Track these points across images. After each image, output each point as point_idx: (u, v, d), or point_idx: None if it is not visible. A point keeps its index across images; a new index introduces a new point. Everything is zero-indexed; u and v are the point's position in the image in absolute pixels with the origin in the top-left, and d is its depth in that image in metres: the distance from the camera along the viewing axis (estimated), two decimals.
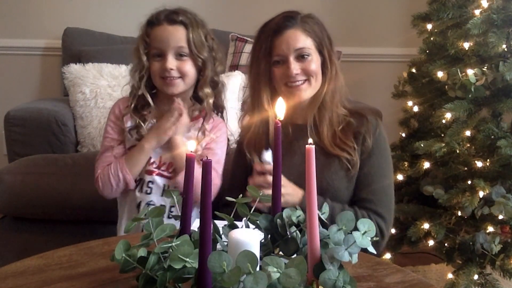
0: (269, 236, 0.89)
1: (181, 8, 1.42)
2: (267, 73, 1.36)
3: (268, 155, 1.29)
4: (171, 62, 1.34)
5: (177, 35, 1.36)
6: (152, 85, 1.40)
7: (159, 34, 1.36)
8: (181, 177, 1.32)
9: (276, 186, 0.90)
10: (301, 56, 1.34)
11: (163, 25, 1.37)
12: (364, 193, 1.39)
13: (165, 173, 1.39)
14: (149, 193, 1.38)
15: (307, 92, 1.36)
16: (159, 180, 1.39)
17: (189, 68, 1.37)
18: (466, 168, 1.83)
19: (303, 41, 1.35)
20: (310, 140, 0.77)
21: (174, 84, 1.37)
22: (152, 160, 1.39)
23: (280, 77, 1.35)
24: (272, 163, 1.28)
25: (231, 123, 1.65)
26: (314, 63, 1.36)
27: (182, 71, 1.36)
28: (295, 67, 1.33)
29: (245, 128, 1.44)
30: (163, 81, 1.37)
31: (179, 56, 1.36)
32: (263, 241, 0.89)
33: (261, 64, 1.36)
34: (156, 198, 1.38)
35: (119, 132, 1.42)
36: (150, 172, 1.39)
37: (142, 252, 0.83)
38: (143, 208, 1.37)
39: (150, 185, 1.39)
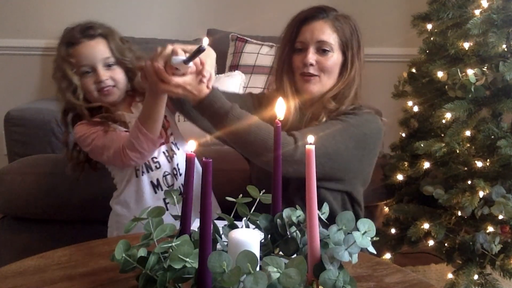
0: (269, 236, 0.89)
1: (91, 21, 1.46)
2: (290, 59, 1.40)
3: (178, 59, 1.16)
4: (104, 74, 1.39)
5: (100, 48, 1.40)
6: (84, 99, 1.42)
7: (83, 52, 1.39)
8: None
9: (276, 186, 0.90)
10: (321, 50, 1.36)
11: (83, 42, 1.40)
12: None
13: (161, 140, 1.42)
14: (159, 167, 1.41)
15: (316, 86, 1.38)
16: (158, 151, 1.41)
17: (120, 75, 1.42)
18: (466, 168, 1.82)
19: (328, 35, 1.36)
20: (311, 140, 0.77)
21: (111, 93, 1.41)
22: None
23: (297, 65, 1.38)
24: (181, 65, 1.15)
25: None
26: (332, 60, 1.37)
27: (114, 79, 1.41)
28: (312, 57, 1.35)
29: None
30: (101, 93, 1.40)
31: (107, 66, 1.41)
32: (263, 241, 0.89)
33: (285, 49, 1.41)
34: (167, 168, 1.42)
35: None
36: None
37: (142, 252, 0.83)
38: (163, 182, 1.41)
39: (156, 160, 1.41)
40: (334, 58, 1.38)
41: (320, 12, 1.38)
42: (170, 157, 1.42)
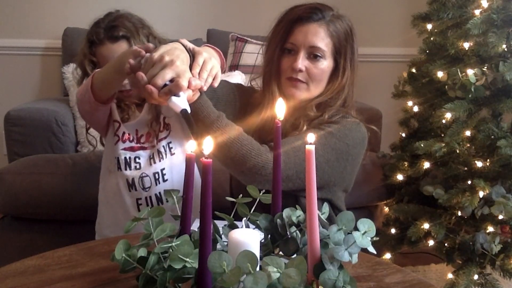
0: (269, 236, 0.89)
1: (119, 17, 1.44)
2: (279, 60, 1.32)
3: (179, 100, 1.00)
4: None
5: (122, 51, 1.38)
6: None
7: (104, 55, 1.40)
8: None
9: (276, 186, 0.90)
10: (313, 55, 1.28)
11: (105, 44, 1.41)
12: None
13: (146, 145, 1.42)
14: (139, 168, 1.41)
15: (302, 93, 1.30)
16: (144, 153, 1.41)
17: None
18: (466, 168, 1.83)
19: (322, 40, 1.27)
20: (311, 140, 0.77)
21: (130, 95, 1.42)
22: (130, 137, 1.41)
23: (285, 68, 1.30)
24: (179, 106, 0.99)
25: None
26: (323, 68, 1.29)
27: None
28: (302, 62, 1.27)
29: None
30: (120, 94, 1.41)
31: None
32: (263, 241, 0.89)
33: (275, 49, 1.31)
34: (147, 171, 1.41)
35: None
36: (132, 149, 1.41)
37: (142, 252, 0.83)
38: (138, 183, 1.40)
39: (138, 160, 1.41)
40: (325, 65, 1.29)
41: (316, 13, 1.28)
42: (153, 161, 1.41)
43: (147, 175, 1.40)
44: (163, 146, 1.42)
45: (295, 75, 1.28)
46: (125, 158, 1.40)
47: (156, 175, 1.40)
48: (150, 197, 1.40)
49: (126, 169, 1.40)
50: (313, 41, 1.27)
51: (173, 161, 1.42)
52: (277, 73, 1.32)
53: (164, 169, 1.40)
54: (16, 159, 1.97)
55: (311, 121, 1.30)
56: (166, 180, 1.41)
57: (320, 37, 1.28)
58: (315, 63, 1.28)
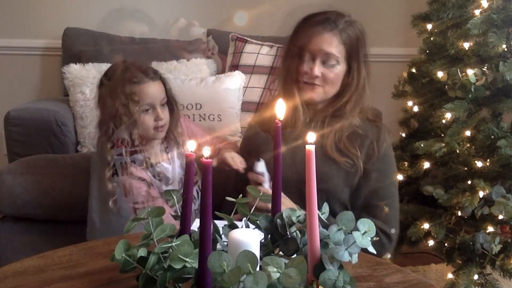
0: (269, 236, 0.89)
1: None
2: (297, 66, 1.42)
3: (260, 166, 1.31)
4: (162, 112, 1.46)
5: (159, 90, 1.47)
6: None
7: (145, 91, 1.44)
8: None
9: (276, 186, 0.90)
10: (328, 62, 1.40)
11: (146, 83, 1.46)
12: (371, 199, 1.43)
13: (141, 149, 1.45)
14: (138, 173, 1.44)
15: (319, 95, 1.42)
16: (140, 157, 1.44)
17: (167, 113, 1.50)
18: (466, 168, 1.82)
19: (335, 47, 1.40)
20: (311, 140, 0.77)
21: (163, 130, 1.49)
22: (125, 142, 1.44)
23: (303, 74, 1.41)
24: (265, 173, 1.30)
25: (231, 124, 1.66)
26: (336, 72, 1.41)
27: (166, 119, 1.48)
28: (318, 69, 1.39)
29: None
30: (156, 130, 1.47)
31: (161, 106, 1.47)
32: (263, 241, 0.89)
33: (294, 57, 1.42)
34: (140, 173, 1.43)
35: None
36: (128, 154, 1.44)
37: (142, 252, 0.83)
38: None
39: (135, 165, 1.44)
40: (339, 69, 1.42)
41: (329, 23, 1.40)
42: (151, 165, 1.44)
43: (144, 179, 1.41)
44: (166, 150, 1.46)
45: (312, 80, 1.40)
46: (121, 163, 1.41)
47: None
48: None
49: (123, 175, 1.40)
50: (327, 49, 1.39)
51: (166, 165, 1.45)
52: (295, 79, 1.43)
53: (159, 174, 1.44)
54: (16, 159, 1.97)
55: (355, 132, 1.44)
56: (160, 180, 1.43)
57: (334, 45, 1.40)
58: (330, 69, 1.41)
